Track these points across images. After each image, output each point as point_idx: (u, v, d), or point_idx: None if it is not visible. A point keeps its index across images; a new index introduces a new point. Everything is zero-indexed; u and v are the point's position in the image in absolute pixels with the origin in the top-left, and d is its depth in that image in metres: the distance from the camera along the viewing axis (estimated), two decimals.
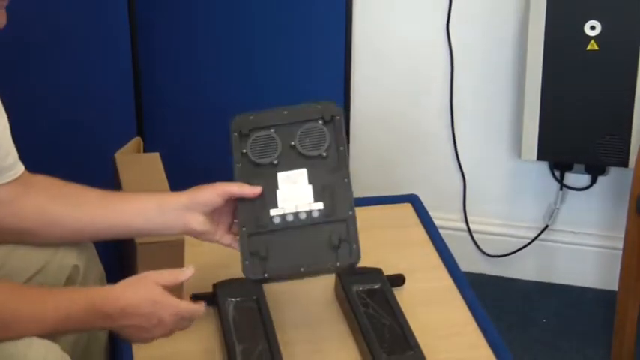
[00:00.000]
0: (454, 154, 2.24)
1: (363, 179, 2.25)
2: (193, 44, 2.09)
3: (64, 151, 1.96)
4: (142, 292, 1.20)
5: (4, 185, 1.28)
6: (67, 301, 1.16)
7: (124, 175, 1.60)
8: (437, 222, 1.78)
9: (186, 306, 1.24)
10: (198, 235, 1.36)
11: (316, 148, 1.36)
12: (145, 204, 1.34)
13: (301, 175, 1.35)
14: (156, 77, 2.09)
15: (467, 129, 2.22)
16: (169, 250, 1.44)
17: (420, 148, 2.26)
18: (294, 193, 1.34)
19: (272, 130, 1.36)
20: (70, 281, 1.35)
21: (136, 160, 1.70)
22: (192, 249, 1.50)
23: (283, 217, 1.33)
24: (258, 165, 1.35)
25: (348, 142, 2.21)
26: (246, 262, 1.31)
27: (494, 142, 2.23)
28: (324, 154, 1.36)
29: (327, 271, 1.36)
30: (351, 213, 1.34)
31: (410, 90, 2.21)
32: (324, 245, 1.31)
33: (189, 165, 2.05)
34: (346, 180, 1.35)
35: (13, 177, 1.29)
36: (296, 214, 1.33)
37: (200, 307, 1.26)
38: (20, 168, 1.31)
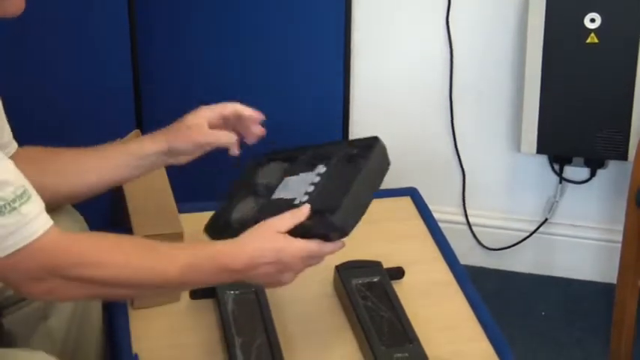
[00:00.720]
0: (454, 148, 2.24)
1: None
2: (193, 35, 2.09)
3: (63, 144, 1.96)
4: (265, 242, 1.19)
5: None
6: (191, 257, 1.16)
7: None
8: (436, 215, 1.78)
9: (316, 246, 1.22)
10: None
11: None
12: (121, 156, 1.35)
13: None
14: (155, 70, 2.09)
15: (466, 122, 2.22)
16: (168, 242, 1.44)
17: (420, 141, 2.26)
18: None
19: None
20: None
21: None
22: (190, 240, 1.50)
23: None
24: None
25: (347, 133, 2.21)
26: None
27: (493, 136, 2.23)
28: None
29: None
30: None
31: (410, 83, 2.20)
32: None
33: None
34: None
35: (8, 155, 1.29)
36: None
37: (338, 244, 1.24)
38: (14, 145, 1.32)
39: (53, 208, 1.33)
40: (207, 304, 1.47)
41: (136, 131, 1.75)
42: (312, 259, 1.23)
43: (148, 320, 1.44)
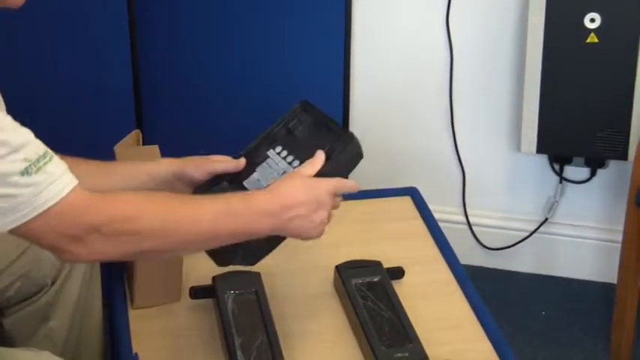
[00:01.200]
0: (454, 147, 2.24)
1: (362, 172, 2.24)
2: (193, 35, 2.09)
3: (63, 143, 1.96)
4: (295, 183, 1.22)
5: None
6: (224, 204, 1.16)
7: None
8: (436, 215, 1.78)
9: (337, 182, 1.27)
10: None
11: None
12: (135, 173, 1.35)
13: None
14: (155, 69, 2.09)
15: (466, 122, 2.22)
16: None
17: (420, 141, 2.26)
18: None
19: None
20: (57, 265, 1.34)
21: (135, 152, 1.70)
22: None
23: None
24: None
25: None
26: None
27: (493, 135, 2.23)
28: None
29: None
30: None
31: (409, 83, 2.20)
32: None
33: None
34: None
35: None
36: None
37: (356, 183, 1.31)
38: None
39: None
40: (207, 303, 1.47)
41: (136, 131, 1.75)
42: (339, 194, 1.27)
43: (147, 320, 1.44)
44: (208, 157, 1.37)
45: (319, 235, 1.26)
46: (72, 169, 1.31)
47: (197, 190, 1.35)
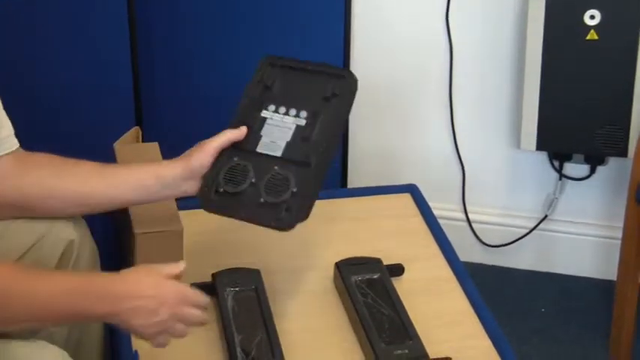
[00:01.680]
0: (453, 144, 2.24)
1: (362, 169, 2.26)
2: (193, 34, 2.09)
3: (63, 141, 1.95)
4: (144, 275, 1.19)
5: (2, 157, 1.29)
6: (62, 282, 1.15)
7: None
8: (436, 212, 1.78)
9: (193, 292, 1.22)
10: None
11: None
12: (143, 176, 1.34)
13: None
14: (155, 66, 2.09)
15: (466, 118, 2.22)
16: (168, 240, 1.45)
17: (419, 137, 2.26)
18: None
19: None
20: (64, 256, 1.35)
21: (135, 150, 1.71)
22: (191, 238, 1.50)
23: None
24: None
25: (347, 131, 2.21)
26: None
27: (493, 132, 2.23)
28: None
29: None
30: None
31: (409, 79, 2.20)
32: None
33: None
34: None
35: (9, 150, 1.30)
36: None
37: (203, 296, 1.25)
38: (15, 142, 1.32)
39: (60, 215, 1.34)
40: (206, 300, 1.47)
41: (136, 128, 1.76)
42: (189, 303, 1.21)
43: None
44: (204, 141, 1.36)
45: (155, 338, 1.20)
46: (71, 170, 1.32)
47: (207, 178, 1.33)
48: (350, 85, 1.36)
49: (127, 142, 1.74)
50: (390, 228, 1.71)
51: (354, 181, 2.26)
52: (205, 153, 1.34)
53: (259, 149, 1.35)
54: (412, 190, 1.83)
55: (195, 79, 2.12)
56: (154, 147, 1.65)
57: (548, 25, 1.97)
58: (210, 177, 1.33)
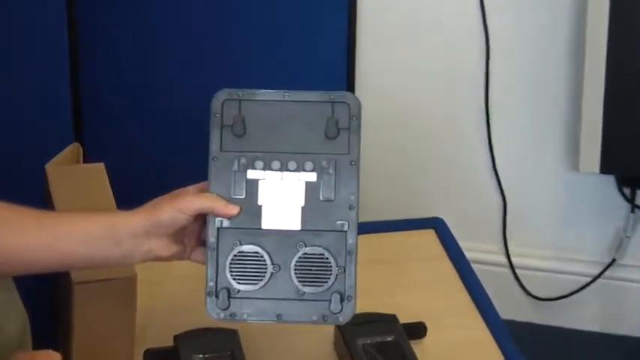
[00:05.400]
0: (491, 166, 2.25)
1: (376, 198, 2.25)
2: (140, 33, 2.15)
3: None
4: None
5: None
6: None
7: (58, 191, 1.60)
8: (468, 254, 1.78)
9: None
10: (164, 260, 1.35)
11: None
12: (92, 227, 1.33)
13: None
14: (97, 71, 2.14)
15: (507, 134, 2.23)
16: (117, 291, 1.44)
17: (447, 159, 2.28)
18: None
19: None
20: None
21: (73, 172, 1.70)
22: (146, 288, 1.49)
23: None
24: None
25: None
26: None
27: (542, 151, 2.24)
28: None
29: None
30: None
31: (433, 86, 2.22)
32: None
33: (140, 177, 2.06)
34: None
35: None
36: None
37: None
38: None
39: None
40: None
41: (75, 145, 1.76)
42: None
43: None
44: (177, 192, 1.34)
45: None
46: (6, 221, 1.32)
47: (207, 278, 1.32)
48: (353, 109, 1.34)
49: (64, 163, 1.74)
50: (409, 274, 1.72)
51: (366, 211, 2.26)
52: (181, 211, 1.31)
53: (266, 225, 1.33)
54: (437, 224, 1.83)
55: (145, 87, 2.17)
56: (98, 168, 1.65)
57: (614, 17, 1.98)
58: (212, 276, 1.31)
